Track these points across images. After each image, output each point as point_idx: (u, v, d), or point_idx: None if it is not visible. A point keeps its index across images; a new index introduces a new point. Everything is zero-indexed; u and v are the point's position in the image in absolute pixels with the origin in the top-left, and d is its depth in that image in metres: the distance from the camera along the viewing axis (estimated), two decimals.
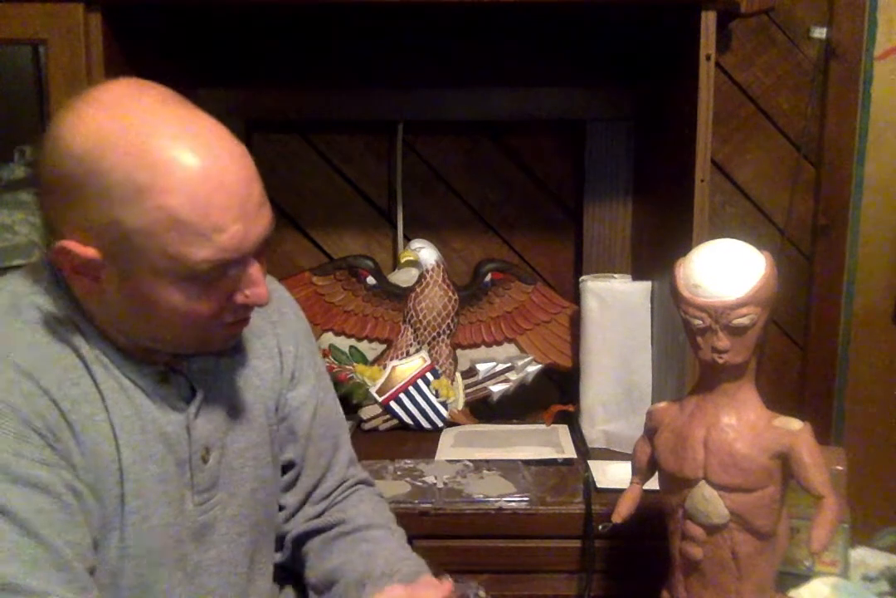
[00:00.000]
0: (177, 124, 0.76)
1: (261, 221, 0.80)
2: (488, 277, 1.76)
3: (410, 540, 1.09)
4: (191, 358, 0.91)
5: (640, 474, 1.18)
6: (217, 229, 0.76)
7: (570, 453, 1.56)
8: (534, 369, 1.73)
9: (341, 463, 1.09)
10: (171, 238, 0.75)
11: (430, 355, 1.74)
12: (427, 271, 1.72)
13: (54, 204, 0.78)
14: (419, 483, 1.43)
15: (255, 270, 0.82)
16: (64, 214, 0.77)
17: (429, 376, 1.72)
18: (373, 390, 1.70)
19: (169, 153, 0.74)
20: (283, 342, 1.03)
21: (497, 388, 1.73)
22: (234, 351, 0.97)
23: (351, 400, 1.69)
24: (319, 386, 1.07)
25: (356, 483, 1.11)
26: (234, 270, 0.80)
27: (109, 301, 0.81)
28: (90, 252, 0.76)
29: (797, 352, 1.79)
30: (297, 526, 1.06)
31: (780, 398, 1.72)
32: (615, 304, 1.61)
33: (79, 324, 0.83)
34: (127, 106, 0.76)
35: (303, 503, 1.06)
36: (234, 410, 0.95)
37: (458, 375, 1.75)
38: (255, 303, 0.84)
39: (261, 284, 0.83)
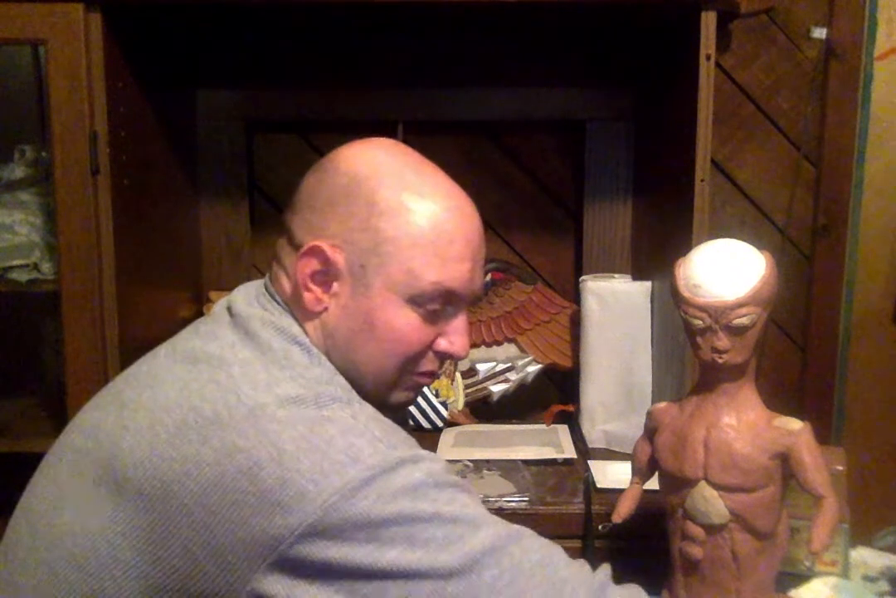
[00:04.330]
0: (436, 170, 0.90)
1: (481, 274, 0.90)
2: (488, 277, 1.76)
3: None
4: None
5: (640, 474, 1.18)
6: (454, 258, 0.85)
7: (570, 453, 1.56)
8: (534, 369, 1.73)
9: None
10: (414, 254, 0.83)
11: None
12: None
13: (312, 215, 0.86)
14: None
15: (464, 320, 0.90)
16: (321, 222, 0.85)
17: None
18: None
19: (433, 186, 0.87)
20: None
21: (497, 388, 1.73)
22: None
23: None
24: None
25: None
26: (451, 308, 0.88)
27: (327, 322, 0.85)
28: (338, 256, 0.84)
29: (797, 352, 1.79)
30: None
31: (780, 398, 1.72)
32: (615, 304, 1.61)
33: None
34: (397, 148, 0.91)
35: None
36: None
37: (458, 375, 1.75)
38: (456, 353, 0.90)
39: (466, 335, 0.90)
